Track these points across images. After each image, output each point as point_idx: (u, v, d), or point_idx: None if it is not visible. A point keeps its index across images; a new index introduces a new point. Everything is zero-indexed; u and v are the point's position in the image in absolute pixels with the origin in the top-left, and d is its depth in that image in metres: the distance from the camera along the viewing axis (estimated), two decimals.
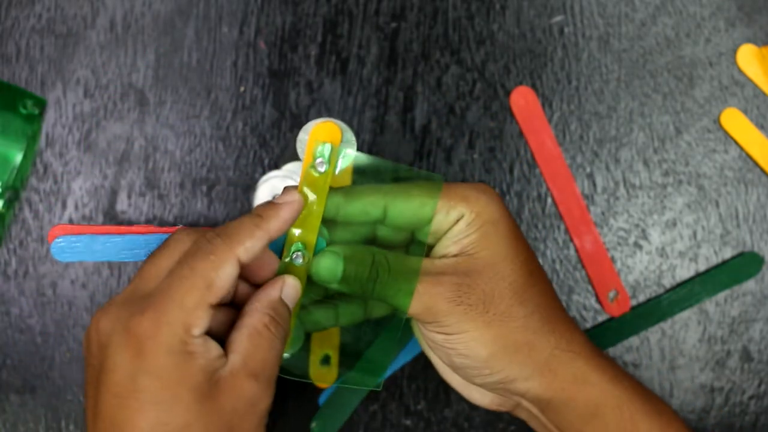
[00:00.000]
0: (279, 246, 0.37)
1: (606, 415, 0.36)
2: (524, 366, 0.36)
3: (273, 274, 0.36)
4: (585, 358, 0.36)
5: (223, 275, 0.33)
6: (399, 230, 0.38)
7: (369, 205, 0.36)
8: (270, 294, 0.36)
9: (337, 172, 0.37)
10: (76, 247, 0.43)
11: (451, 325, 0.35)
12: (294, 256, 0.37)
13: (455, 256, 0.36)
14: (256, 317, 0.34)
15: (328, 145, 0.36)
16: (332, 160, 0.37)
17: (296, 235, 0.37)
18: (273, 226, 0.35)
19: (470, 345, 0.35)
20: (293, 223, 0.36)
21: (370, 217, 0.37)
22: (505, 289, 0.35)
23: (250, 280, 0.36)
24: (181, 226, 0.48)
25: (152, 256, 0.35)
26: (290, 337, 0.38)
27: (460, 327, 0.35)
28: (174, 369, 0.32)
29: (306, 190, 0.36)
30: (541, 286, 0.37)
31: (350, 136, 0.37)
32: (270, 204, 0.35)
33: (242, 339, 0.34)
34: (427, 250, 0.38)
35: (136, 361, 0.32)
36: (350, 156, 0.37)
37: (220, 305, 0.34)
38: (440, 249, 0.37)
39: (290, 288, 0.36)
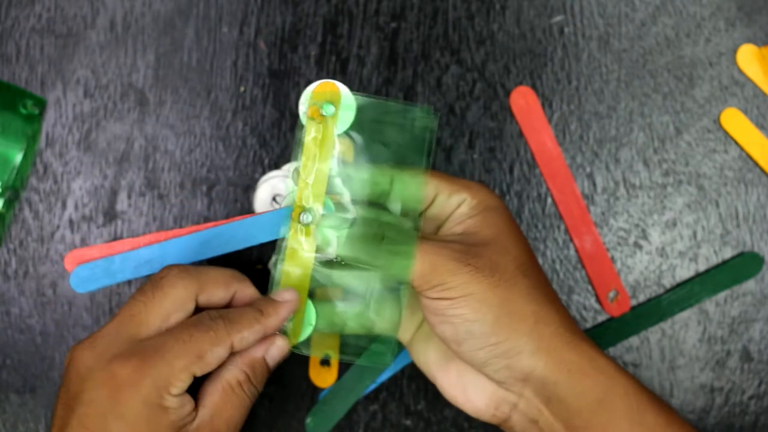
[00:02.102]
0: (288, 212, 0.38)
1: (614, 402, 0.35)
2: (530, 338, 0.35)
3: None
4: (587, 342, 0.36)
5: (216, 353, 0.35)
6: (402, 215, 0.39)
7: (378, 174, 0.38)
8: (253, 352, 0.37)
9: (336, 133, 0.38)
10: (95, 274, 0.42)
11: (457, 286, 0.35)
12: (302, 217, 0.38)
13: (459, 234, 0.37)
14: (232, 373, 0.36)
15: (330, 106, 0.38)
16: (330, 121, 0.38)
17: (304, 196, 0.38)
18: (271, 323, 0.37)
19: (476, 307, 0.35)
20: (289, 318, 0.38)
21: (380, 186, 0.38)
22: (510, 261, 0.36)
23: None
24: (182, 226, 0.47)
25: (141, 295, 0.36)
26: (301, 323, 0.39)
27: (466, 288, 0.35)
28: (146, 420, 0.33)
29: (311, 142, 0.38)
30: (540, 272, 0.38)
31: (350, 99, 0.39)
32: (270, 301, 0.37)
33: (214, 393, 0.36)
34: (433, 233, 0.39)
35: (110, 403, 0.33)
36: (350, 116, 0.38)
37: None
38: (444, 230, 0.38)
39: (276, 349, 0.38)
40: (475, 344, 0.35)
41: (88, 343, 0.35)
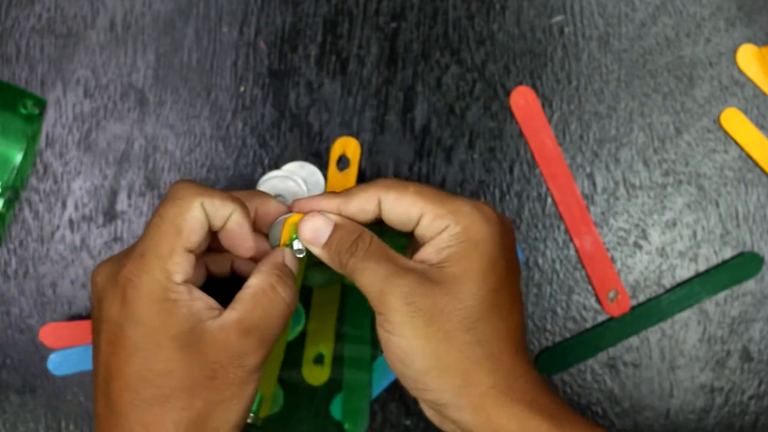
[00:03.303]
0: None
1: None
2: (458, 395, 0.34)
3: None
4: (526, 403, 0.34)
5: (190, 218, 0.34)
6: (395, 234, 0.38)
7: (365, 201, 0.37)
8: (275, 258, 0.37)
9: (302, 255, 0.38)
10: (71, 360, 0.46)
11: (395, 323, 0.34)
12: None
13: (431, 264, 0.35)
14: (262, 278, 0.36)
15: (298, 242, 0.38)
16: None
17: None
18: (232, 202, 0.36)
19: (407, 352, 0.34)
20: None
21: (368, 214, 0.37)
22: (457, 311, 0.34)
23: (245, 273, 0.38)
24: None
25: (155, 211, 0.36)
26: (270, 399, 0.40)
27: (402, 329, 0.34)
28: (156, 316, 0.33)
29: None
30: (499, 322, 0.35)
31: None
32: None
33: (245, 297, 0.35)
34: (411, 254, 0.38)
35: (122, 310, 0.33)
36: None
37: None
38: (421, 254, 0.36)
39: (290, 257, 0.38)
40: (405, 381, 0.36)
41: (102, 264, 0.36)
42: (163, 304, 0.33)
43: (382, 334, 0.35)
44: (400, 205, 0.36)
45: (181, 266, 0.34)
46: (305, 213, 0.38)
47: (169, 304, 0.33)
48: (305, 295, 0.46)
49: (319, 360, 0.46)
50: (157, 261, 0.34)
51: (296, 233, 0.38)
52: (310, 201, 0.38)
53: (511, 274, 0.37)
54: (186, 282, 0.34)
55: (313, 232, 0.37)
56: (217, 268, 0.39)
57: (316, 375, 0.46)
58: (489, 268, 0.35)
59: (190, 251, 0.34)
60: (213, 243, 0.38)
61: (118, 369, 0.34)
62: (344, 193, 0.38)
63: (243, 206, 0.36)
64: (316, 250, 0.37)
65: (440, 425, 0.37)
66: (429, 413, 0.38)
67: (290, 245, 0.38)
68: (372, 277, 0.35)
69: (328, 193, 0.38)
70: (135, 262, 0.34)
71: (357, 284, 0.36)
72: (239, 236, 0.36)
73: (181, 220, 0.34)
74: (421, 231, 0.36)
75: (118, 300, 0.34)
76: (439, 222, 0.36)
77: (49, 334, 0.46)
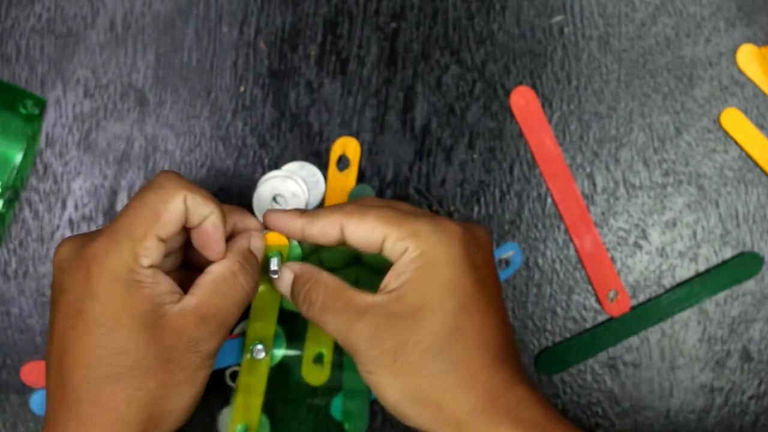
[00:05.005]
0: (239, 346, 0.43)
1: None
2: (435, 422, 0.34)
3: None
4: (510, 421, 0.34)
5: (171, 208, 0.35)
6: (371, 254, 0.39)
7: (327, 226, 0.37)
8: (239, 243, 0.38)
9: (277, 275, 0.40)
10: None
11: (365, 363, 0.35)
12: (254, 351, 0.41)
13: (391, 291, 0.36)
14: (225, 264, 0.36)
15: (276, 257, 0.40)
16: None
17: (255, 330, 0.42)
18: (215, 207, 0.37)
19: (380, 388, 0.35)
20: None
21: (330, 238, 0.38)
22: (421, 340, 0.34)
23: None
24: None
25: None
26: (256, 429, 0.43)
27: (372, 367, 0.35)
28: (118, 295, 0.33)
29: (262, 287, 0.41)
30: (469, 343, 0.35)
31: (295, 245, 0.41)
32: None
33: (205, 283, 0.36)
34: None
35: (85, 284, 0.34)
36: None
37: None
38: (385, 281, 0.36)
39: (257, 240, 0.38)
40: (388, 410, 0.36)
41: (68, 239, 0.36)
42: (127, 284, 0.34)
43: (359, 370, 0.36)
44: (361, 230, 0.36)
45: (150, 251, 0.34)
46: (275, 231, 0.39)
47: (132, 284, 0.34)
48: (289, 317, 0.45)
49: (318, 360, 0.46)
50: (128, 242, 0.34)
51: (270, 253, 0.39)
52: (279, 218, 0.39)
53: (480, 290, 0.36)
54: (151, 266, 0.34)
55: (283, 288, 0.39)
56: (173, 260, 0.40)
57: (316, 375, 0.46)
58: (449, 290, 0.35)
59: (162, 240, 0.35)
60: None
61: (73, 343, 0.34)
62: (309, 214, 0.38)
63: (222, 211, 0.37)
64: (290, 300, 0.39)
65: None
66: None
67: (267, 264, 0.39)
68: (333, 327, 0.36)
69: (295, 210, 0.39)
70: (105, 239, 0.34)
71: (325, 332, 0.37)
72: (213, 238, 0.37)
73: (162, 208, 0.35)
74: (387, 253, 0.37)
75: (81, 274, 0.34)
76: (400, 244, 0.36)
77: (30, 372, 0.46)
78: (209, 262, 0.37)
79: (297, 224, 0.38)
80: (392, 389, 0.35)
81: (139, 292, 0.34)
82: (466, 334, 0.35)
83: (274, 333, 0.43)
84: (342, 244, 0.38)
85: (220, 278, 0.36)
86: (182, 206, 0.35)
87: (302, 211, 0.39)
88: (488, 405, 0.34)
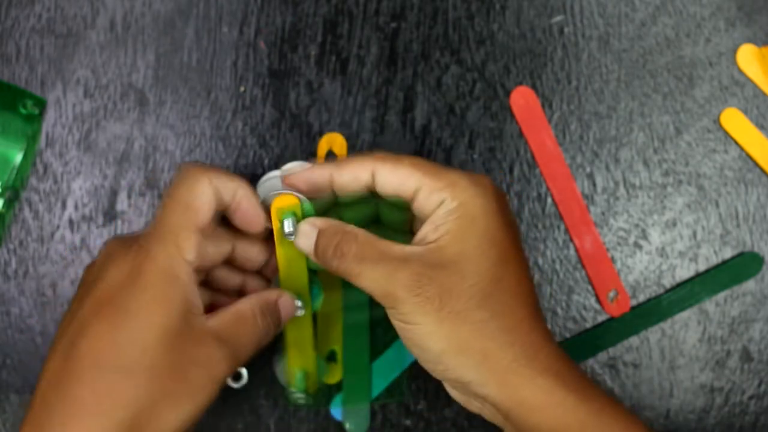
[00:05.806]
0: None
1: None
2: (479, 371, 0.34)
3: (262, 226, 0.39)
4: (550, 375, 0.34)
5: (200, 194, 0.36)
6: (395, 208, 0.38)
7: (359, 169, 0.37)
8: (267, 294, 0.38)
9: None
10: None
11: (407, 314, 0.34)
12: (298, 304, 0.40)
13: (430, 243, 0.35)
14: (249, 304, 0.37)
15: (289, 217, 0.38)
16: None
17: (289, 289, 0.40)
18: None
19: (423, 338, 0.34)
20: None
21: (360, 183, 0.37)
22: (465, 289, 0.34)
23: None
24: None
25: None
26: (314, 374, 0.42)
27: (414, 318, 0.34)
28: (159, 290, 0.34)
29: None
30: (509, 295, 0.35)
31: (308, 205, 0.39)
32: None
33: (227, 313, 0.36)
34: (410, 227, 0.38)
35: (129, 274, 0.34)
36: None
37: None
38: (420, 234, 0.36)
39: (287, 301, 0.38)
40: (428, 366, 0.36)
41: (117, 236, 0.39)
42: (170, 279, 0.34)
43: (395, 323, 0.35)
44: (396, 177, 0.36)
45: (190, 242, 0.35)
46: (294, 187, 0.38)
47: (174, 279, 0.34)
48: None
49: (331, 358, 0.46)
50: (171, 236, 0.35)
51: (283, 215, 0.38)
52: (302, 174, 0.38)
53: (514, 244, 0.36)
54: (192, 264, 0.35)
55: (304, 245, 0.38)
56: (216, 251, 0.39)
57: (329, 372, 0.46)
58: (488, 242, 0.35)
59: (200, 230, 0.35)
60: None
61: (96, 328, 0.34)
62: (337, 161, 0.38)
63: (246, 182, 0.38)
64: (312, 258, 0.38)
65: (466, 404, 0.37)
66: (453, 393, 0.37)
67: (281, 228, 0.38)
68: (371, 279, 0.35)
69: (319, 163, 0.38)
70: (149, 237, 0.35)
71: (357, 286, 0.36)
72: (250, 210, 0.38)
73: (191, 197, 0.36)
74: (418, 205, 0.36)
75: (128, 265, 0.35)
76: (436, 196, 0.35)
77: None
78: (233, 283, 0.40)
79: (325, 173, 0.37)
80: (436, 338, 0.34)
81: (179, 286, 0.34)
82: (506, 285, 0.35)
83: (310, 286, 0.41)
84: (367, 191, 0.37)
85: (242, 314, 0.36)
86: (209, 189, 0.36)
87: (327, 162, 0.38)
88: (530, 357, 0.34)
